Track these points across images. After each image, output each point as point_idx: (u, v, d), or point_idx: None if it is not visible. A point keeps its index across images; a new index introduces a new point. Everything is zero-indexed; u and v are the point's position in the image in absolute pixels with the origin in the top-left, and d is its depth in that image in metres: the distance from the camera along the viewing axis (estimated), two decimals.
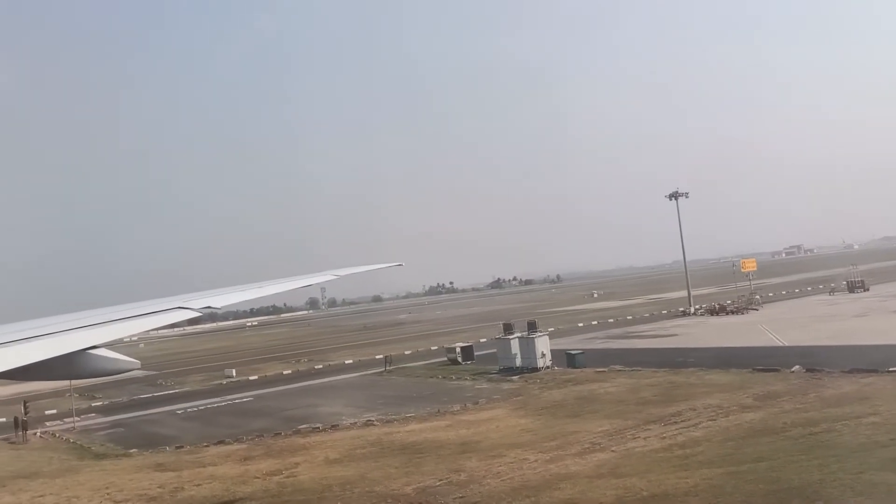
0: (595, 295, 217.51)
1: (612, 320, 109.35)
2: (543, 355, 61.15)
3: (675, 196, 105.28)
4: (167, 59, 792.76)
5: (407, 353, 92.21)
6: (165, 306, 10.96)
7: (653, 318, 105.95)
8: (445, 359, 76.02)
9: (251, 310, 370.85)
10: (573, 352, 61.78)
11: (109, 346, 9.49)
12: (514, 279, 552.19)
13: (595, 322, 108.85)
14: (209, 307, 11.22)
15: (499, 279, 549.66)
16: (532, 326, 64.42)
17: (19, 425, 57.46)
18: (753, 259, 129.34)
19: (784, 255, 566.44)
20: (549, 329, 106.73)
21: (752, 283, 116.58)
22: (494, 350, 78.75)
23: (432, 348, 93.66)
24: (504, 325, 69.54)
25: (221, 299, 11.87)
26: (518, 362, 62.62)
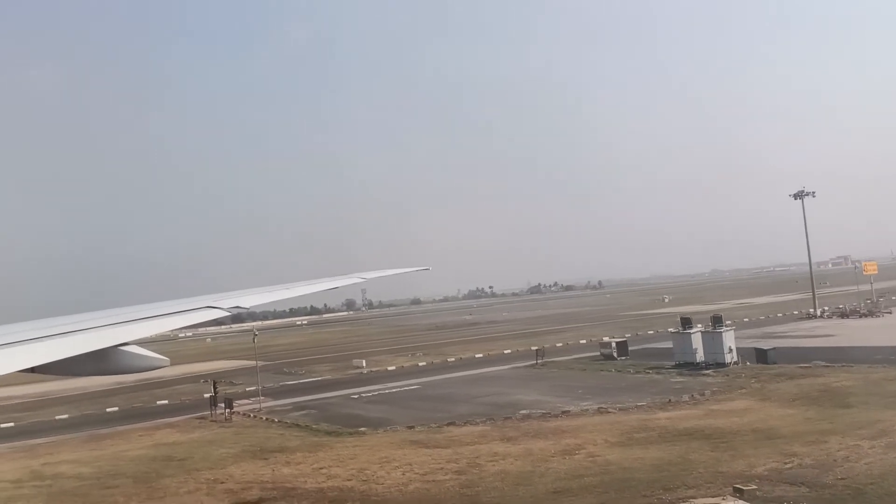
0: (666, 300, 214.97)
1: (730, 322, 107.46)
2: (731, 350, 60.21)
3: (800, 195, 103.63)
4: (205, 64, 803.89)
5: (507, 351, 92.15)
6: (194, 305, 10.98)
7: (780, 321, 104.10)
8: (598, 354, 75.35)
9: (289, 310, 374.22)
10: (765, 348, 60.68)
11: (140, 343, 9.50)
12: (555, 284, 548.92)
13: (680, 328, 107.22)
14: (238, 307, 11.19)
15: (539, 284, 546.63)
16: (717, 321, 63.47)
17: (217, 404, 58.40)
18: (874, 263, 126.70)
19: (830, 265, 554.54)
20: (669, 329, 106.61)
21: (849, 288, 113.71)
22: (647, 346, 78.89)
23: (557, 345, 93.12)
24: (682, 319, 68.69)
25: (250, 300, 11.84)
26: (699, 357, 61.70)
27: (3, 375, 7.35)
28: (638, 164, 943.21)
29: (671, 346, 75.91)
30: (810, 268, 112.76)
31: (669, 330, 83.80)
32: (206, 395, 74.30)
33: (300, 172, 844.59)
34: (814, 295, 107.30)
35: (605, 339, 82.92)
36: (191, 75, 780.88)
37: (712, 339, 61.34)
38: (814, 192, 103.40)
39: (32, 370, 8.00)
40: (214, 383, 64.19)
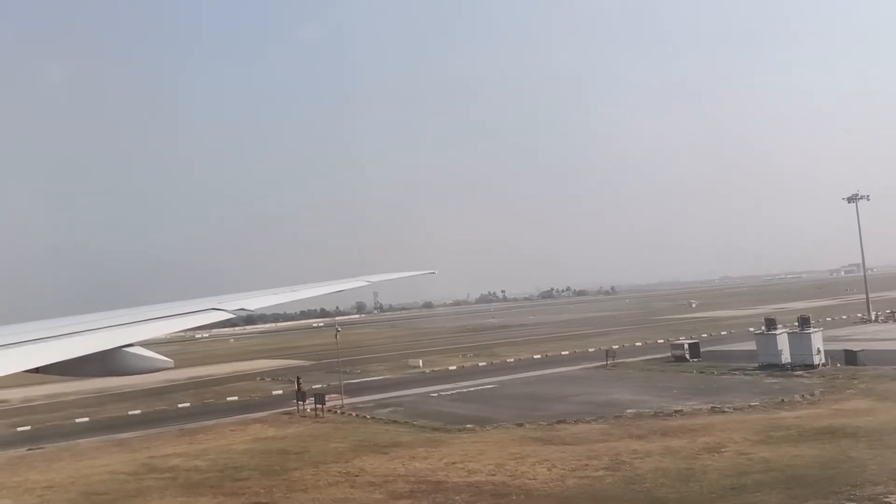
0: (693, 305, 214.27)
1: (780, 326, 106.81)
2: (819, 351, 59.53)
3: (853, 199, 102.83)
4: (215, 65, 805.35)
5: (564, 352, 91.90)
6: (199, 307, 10.84)
7: (835, 325, 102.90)
8: (669, 355, 74.72)
9: (300, 312, 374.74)
10: (854, 349, 59.98)
11: (144, 344, 9.35)
12: (567, 289, 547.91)
13: (763, 329, 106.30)
14: (243, 309, 11.03)
15: (551, 289, 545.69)
16: (805, 322, 62.73)
17: (304, 400, 57.95)
18: None
19: (843, 273, 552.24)
20: (722, 332, 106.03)
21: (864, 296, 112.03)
22: (715, 348, 77.95)
23: (614, 346, 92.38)
24: (766, 320, 68.00)
25: (255, 302, 11.69)
26: (784, 358, 61.00)
27: (9, 375, 7.33)
28: (648, 171, 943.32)
29: (743, 348, 75.87)
30: (864, 273, 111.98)
31: (751, 330, 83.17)
32: (275, 392, 74.39)
33: (308, 173, 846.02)
34: (867, 299, 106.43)
35: (677, 340, 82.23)
36: (201, 75, 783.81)
37: (800, 341, 60.64)
38: (868, 196, 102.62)
39: (37, 370, 7.94)
40: (299, 380, 63.69)
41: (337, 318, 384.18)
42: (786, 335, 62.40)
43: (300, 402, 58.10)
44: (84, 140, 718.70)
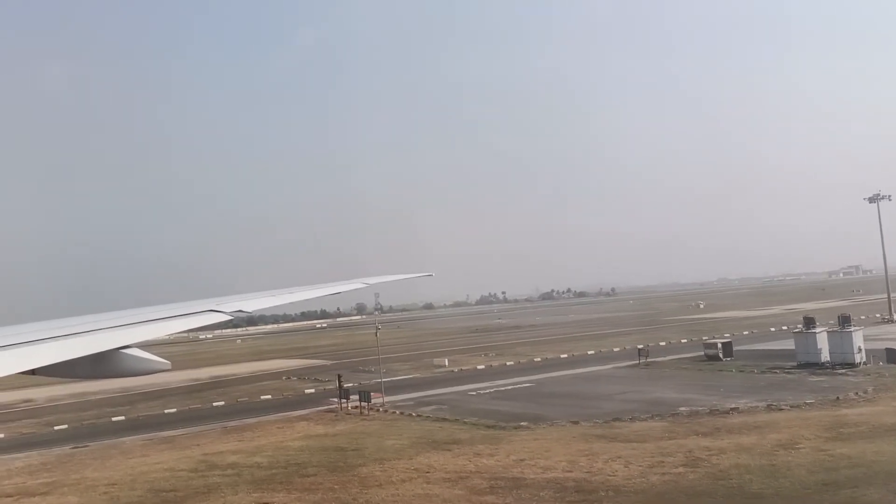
0: (701, 306, 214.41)
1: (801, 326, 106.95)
2: (860, 350, 59.49)
3: (875, 199, 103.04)
4: (214, 68, 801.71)
5: (590, 352, 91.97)
6: (197, 308, 10.86)
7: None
8: (702, 354, 74.64)
9: (301, 313, 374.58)
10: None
11: (141, 346, 9.32)
12: (568, 291, 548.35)
13: (785, 328, 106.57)
14: (241, 311, 11.10)
15: (552, 290, 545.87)
16: (846, 321, 62.66)
17: (348, 397, 57.68)
18: None
19: (842, 274, 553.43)
20: (744, 332, 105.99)
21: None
22: (746, 347, 77.79)
23: (639, 346, 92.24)
24: (805, 318, 67.82)
25: (253, 303, 11.74)
26: (824, 357, 60.95)
27: (6, 377, 7.28)
28: (644, 172, 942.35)
29: (774, 347, 76.14)
30: (886, 273, 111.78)
31: (786, 328, 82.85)
32: (308, 391, 74.15)
33: (307, 176, 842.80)
34: (889, 300, 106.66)
35: (709, 339, 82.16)
36: (200, 78, 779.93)
37: (840, 339, 60.55)
38: (890, 196, 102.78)
39: (34, 372, 7.90)
40: (340, 378, 63.48)
41: (339, 320, 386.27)
42: (825, 333, 62.32)
43: (343, 400, 57.76)
44: (80, 141, 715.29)
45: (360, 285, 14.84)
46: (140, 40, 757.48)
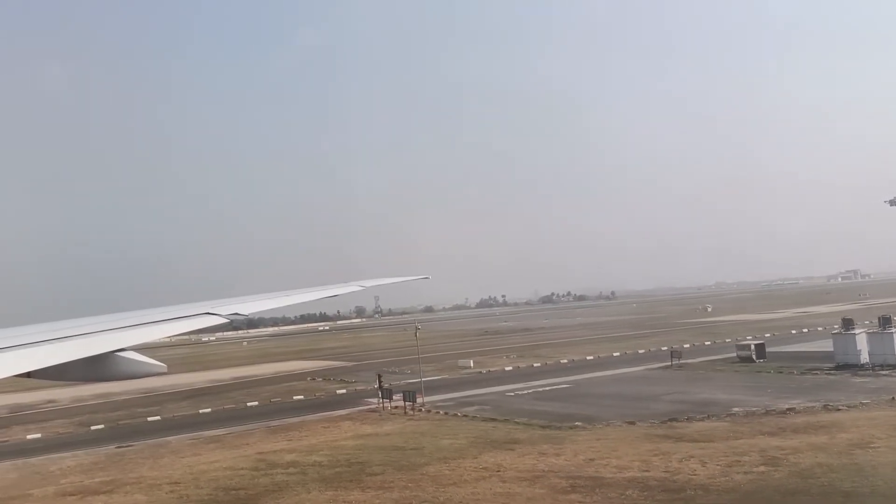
0: (709, 309, 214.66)
1: (821, 328, 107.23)
2: None
3: None
4: (215, 68, 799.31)
5: (615, 354, 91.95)
6: (193, 311, 10.93)
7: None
8: (735, 356, 74.53)
9: (300, 316, 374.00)
10: None
11: (137, 349, 9.36)
12: (568, 294, 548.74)
13: (806, 330, 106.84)
14: (237, 314, 11.16)
15: (552, 294, 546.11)
16: (887, 322, 62.62)
17: (391, 397, 57.35)
18: None
19: (840, 279, 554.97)
20: (766, 335, 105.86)
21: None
22: (776, 349, 77.68)
23: (663, 348, 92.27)
24: (844, 320, 67.79)
25: (249, 306, 11.79)
26: (863, 358, 60.89)
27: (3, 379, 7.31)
28: (642, 175, 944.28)
29: (806, 349, 76.15)
30: None
31: (807, 331, 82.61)
32: (339, 392, 73.71)
33: (305, 177, 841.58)
34: None
35: (742, 341, 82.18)
36: (198, 78, 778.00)
37: (881, 341, 60.48)
38: None
39: (29, 375, 7.90)
40: (380, 377, 63.12)
41: (339, 323, 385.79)
42: (864, 335, 62.28)
43: (385, 400, 57.42)
44: (78, 142, 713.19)
45: (356, 288, 14.95)
46: (140, 40, 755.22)
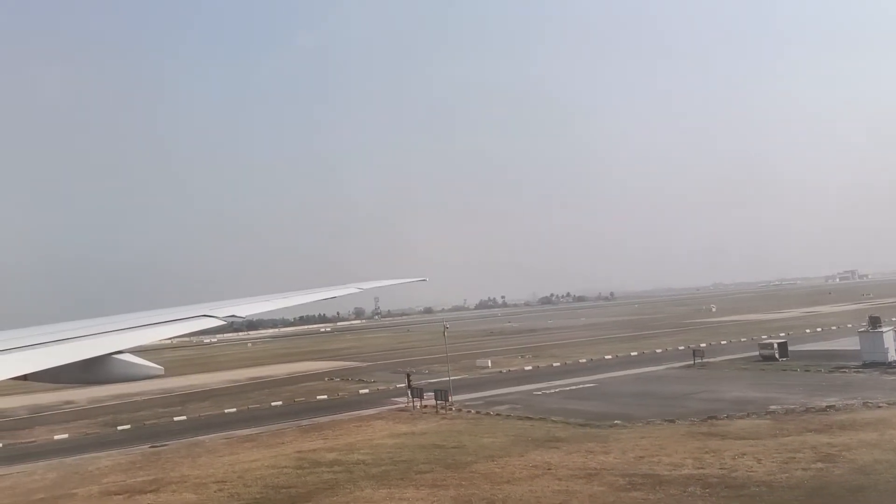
0: (713, 309, 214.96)
1: (835, 328, 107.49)
2: None
3: None
4: (210, 70, 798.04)
5: (633, 353, 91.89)
6: (190, 314, 10.96)
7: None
8: (757, 354, 74.52)
9: (300, 318, 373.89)
10: None
11: (134, 351, 9.34)
12: (567, 295, 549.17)
13: (819, 329, 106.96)
14: (234, 316, 11.19)
15: (551, 295, 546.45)
16: None
17: (422, 396, 57.23)
18: None
19: (838, 279, 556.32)
20: (780, 334, 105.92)
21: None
22: (797, 348, 77.70)
23: (680, 347, 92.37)
24: (871, 318, 67.83)
25: (246, 308, 11.83)
26: (891, 356, 60.94)
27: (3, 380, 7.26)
28: (639, 177, 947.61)
29: (830, 347, 76.17)
30: None
31: (820, 330, 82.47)
32: (362, 391, 73.45)
33: (302, 179, 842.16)
34: None
35: (765, 339, 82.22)
36: (195, 80, 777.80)
37: None
38: None
39: (25, 378, 7.86)
40: (408, 376, 63.04)
41: (339, 324, 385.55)
42: (892, 333, 62.34)
43: (415, 399, 57.26)
44: (76, 142, 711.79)
45: (354, 290, 14.94)
46: (138, 42, 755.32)
